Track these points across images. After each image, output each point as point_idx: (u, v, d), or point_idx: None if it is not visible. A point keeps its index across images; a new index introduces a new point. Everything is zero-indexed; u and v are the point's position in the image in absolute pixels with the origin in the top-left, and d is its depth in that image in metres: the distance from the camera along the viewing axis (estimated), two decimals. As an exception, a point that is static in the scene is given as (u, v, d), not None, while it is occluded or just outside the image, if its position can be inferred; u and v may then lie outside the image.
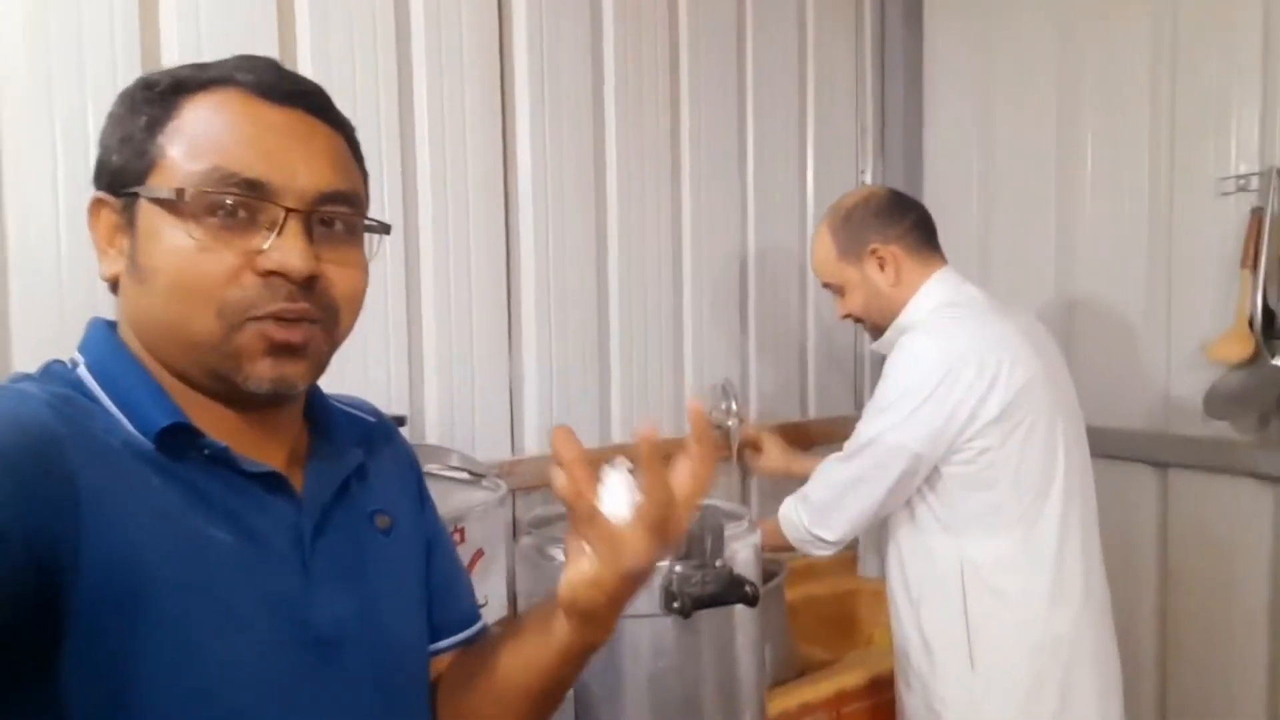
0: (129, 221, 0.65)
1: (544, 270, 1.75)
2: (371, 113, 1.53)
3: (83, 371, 0.66)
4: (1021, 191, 2.07)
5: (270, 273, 0.63)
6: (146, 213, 0.64)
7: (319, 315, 0.67)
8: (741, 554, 1.29)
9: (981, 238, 2.14)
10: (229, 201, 0.63)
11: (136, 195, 0.64)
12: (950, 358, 1.37)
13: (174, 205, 0.63)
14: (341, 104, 1.46)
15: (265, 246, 0.63)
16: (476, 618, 0.88)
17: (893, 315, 1.50)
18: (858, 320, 1.57)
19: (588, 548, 0.66)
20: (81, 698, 0.56)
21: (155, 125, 0.65)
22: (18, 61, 1.22)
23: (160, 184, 0.63)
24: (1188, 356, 1.80)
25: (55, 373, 0.66)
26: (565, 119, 1.77)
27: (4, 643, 0.52)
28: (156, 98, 0.66)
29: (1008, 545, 1.38)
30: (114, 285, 0.69)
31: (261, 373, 0.65)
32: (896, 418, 1.38)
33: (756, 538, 1.32)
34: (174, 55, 1.34)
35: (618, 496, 0.66)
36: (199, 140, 0.64)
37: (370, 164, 1.48)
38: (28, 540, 0.52)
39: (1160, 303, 1.84)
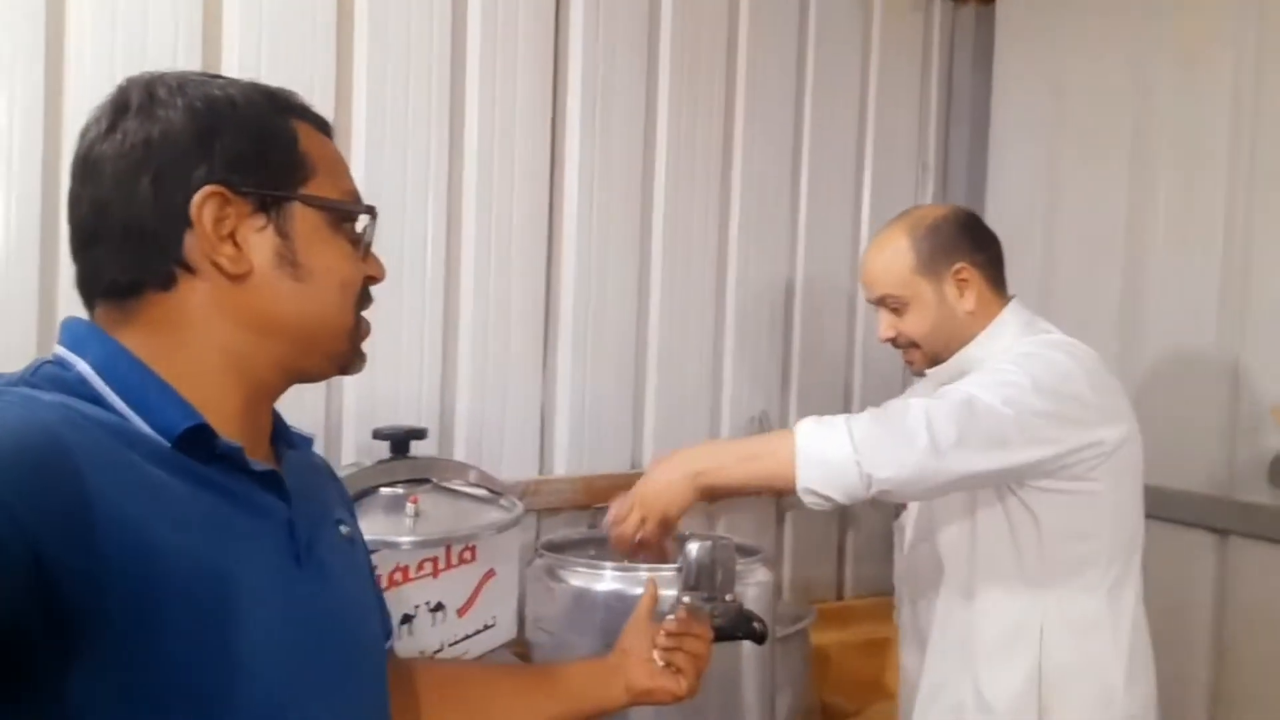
0: (274, 221, 0.70)
1: (584, 291, 1.75)
2: (422, 129, 1.56)
3: (86, 371, 0.65)
4: (1088, 240, 2.00)
5: (370, 277, 0.77)
6: (305, 217, 0.71)
7: None
8: (753, 590, 1.25)
9: (1044, 284, 2.07)
10: (366, 223, 0.76)
11: (289, 199, 0.70)
12: (1089, 364, 1.24)
13: (332, 215, 0.73)
14: (393, 120, 1.52)
15: (370, 261, 0.77)
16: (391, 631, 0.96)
17: (959, 344, 1.34)
18: (907, 345, 1.38)
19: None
20: (100, 704, 0.56)
21: (294, 141, 0.72)
22: (84, 48, 1.28)
23: (320, 194, 0.72)
24: (1256, 419, 1.70)
25: (48, 374, 0.65)
26: (615, 141, 1.77)
27: (10, 648, 0.52)
28: (279, 110, 0.72)
29: (1093, 608, 1.26)
30: (227, 277, 0.68)
31: (362, 358, 0.78)
32: (1028, 380, 1.17)
33: (769, 575, 1.28)
34: (234, 60, 1.39)
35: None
36: (328, 161, 0.74)
37: (417, 179, 1.55)
38: (30, 549, 0.52)
39: (1228, 361, 1.75)
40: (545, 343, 1.73)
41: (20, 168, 1.26)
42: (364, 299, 0.76)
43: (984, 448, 1.14)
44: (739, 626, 1.17)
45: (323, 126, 0.76)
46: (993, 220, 2.19)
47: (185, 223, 0.66)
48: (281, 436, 0.78)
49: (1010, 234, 2.12)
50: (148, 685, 0.57)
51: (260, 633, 0.63)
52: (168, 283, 0.67)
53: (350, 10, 1.50)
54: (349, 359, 0.77)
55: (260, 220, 0.69)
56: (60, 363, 0.65)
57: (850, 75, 2.12)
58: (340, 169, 0.76)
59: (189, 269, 0.67)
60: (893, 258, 1.35)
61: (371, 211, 0.76)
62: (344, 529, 0.80)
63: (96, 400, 0.63)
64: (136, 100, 0.68)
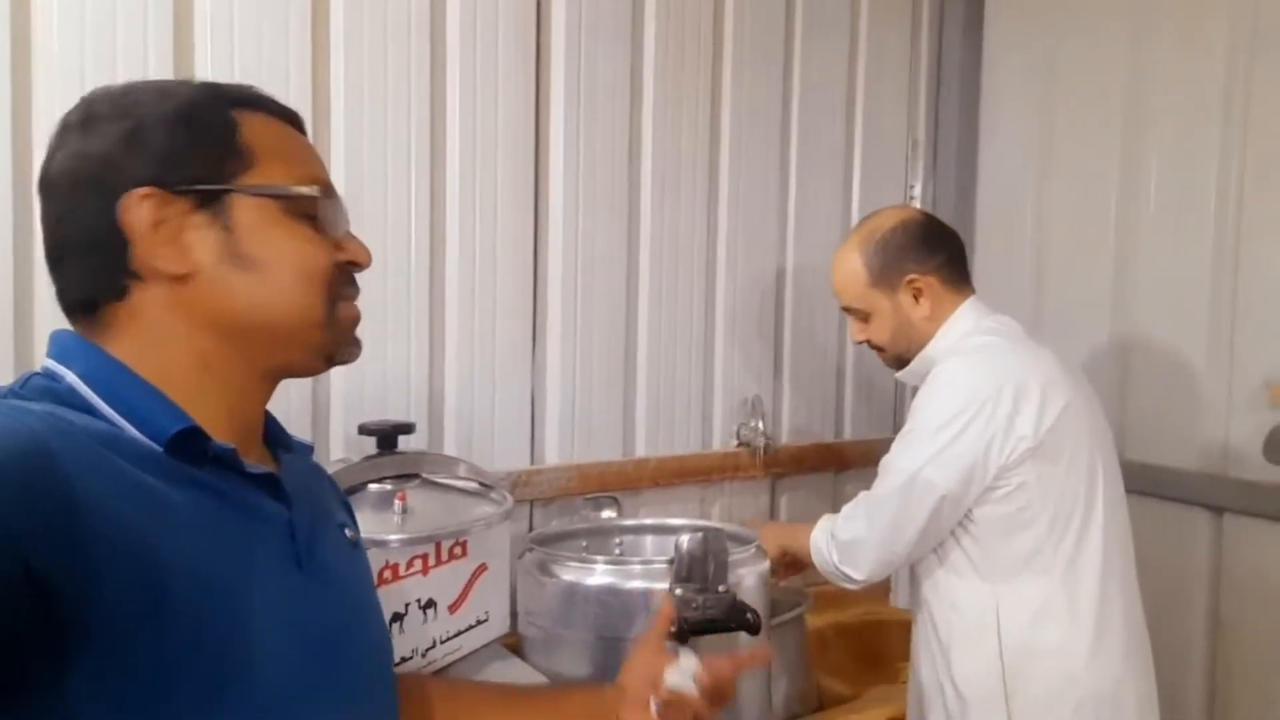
0: (216, 216, 0.68)
1: (571, 279, 1.73)
2: (402, 120, 1.53)
3: (74, 381, 0.65)
4: (1080, 215, 1.98)
5: (352, 263, 0.75)
6: (248, 207, 0.69)
7: None
8: (747, 580, 1.25)
9: (1036, 260, 2.05)
10: (331, 205, 0.73)
11: (225, 191, 0.68)
12: (984, 384, 1.30)
13: (283, 203, 0.70)
14: (372, 108, 1.49)
15: (347, 243, 0.75)
16: None
17: (920, 346, 1.44)
18: (875, 348, 1.50)
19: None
20: (99, 710, 0.55)
21: (230, 132, 0.69)
22: (51, 48, 1.25)
23: (263, 183, 0.69)
24: (1250, 396, 1.69)
25: (38, 385, 0.65)
26: (600, 124, 1.74)
27: (3, 656, 0.51)
28: (220, 104, 0.71)
29: (1046, 592, 1.30)
30: (171, 279, 0.67)
31: (354, 346, 0.76)
32: (929, 452, 1.31)
33: (764, 565, 1.27)
34: (207, 60, 1.35)
35: (686, 673, 0.91)
36: (278, 150, 0.72)
37: (399, 169, 1.53)
38: (20, 559, 0.51)
39: (1223, 338, 1.73)
40: (533, 332, 1.71)
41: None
42: (341, 285, 0.74)
43: (886, 543, 1.35)
44: (732, 618, 1.17)
45: (281, 113, 0.75)
46: (984, 197, 2.18)
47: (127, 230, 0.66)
48: (277, 440, 0.78)
49: (1002, 209, 2.13)
50: (147, 691, 0.56)
51: (260, 636, 0.63)
52: (120, 293, 0.67)
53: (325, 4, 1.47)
54: (332, 348, 0.74)
55: (201, 217, 0.67)
56: (50, 375, 0.66)
57: (838, 52, 2.08)
58: (295, 154, 0.73)
59: (137, 276, 0.67)
60: (848, 273, 1.47)
61: (326, 191, 0.73)
62: (348, 533, 0.80)
63: (88, 410, 0.64)
64: (77, 116, 0.69)
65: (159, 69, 1.31)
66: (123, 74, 1.27)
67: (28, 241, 1.24)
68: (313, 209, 0.72)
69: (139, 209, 0.66)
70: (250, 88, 0.74)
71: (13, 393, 0.64)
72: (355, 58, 1.48)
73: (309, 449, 0.83)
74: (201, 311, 0.68)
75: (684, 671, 0.91)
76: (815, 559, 1.44)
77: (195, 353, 0.68)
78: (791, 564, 1.53)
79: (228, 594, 0.61)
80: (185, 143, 0.68)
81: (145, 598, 0.56)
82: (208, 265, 0.67)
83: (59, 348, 0.68)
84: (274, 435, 0.78)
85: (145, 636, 0.56)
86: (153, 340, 0.67)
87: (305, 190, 0.72)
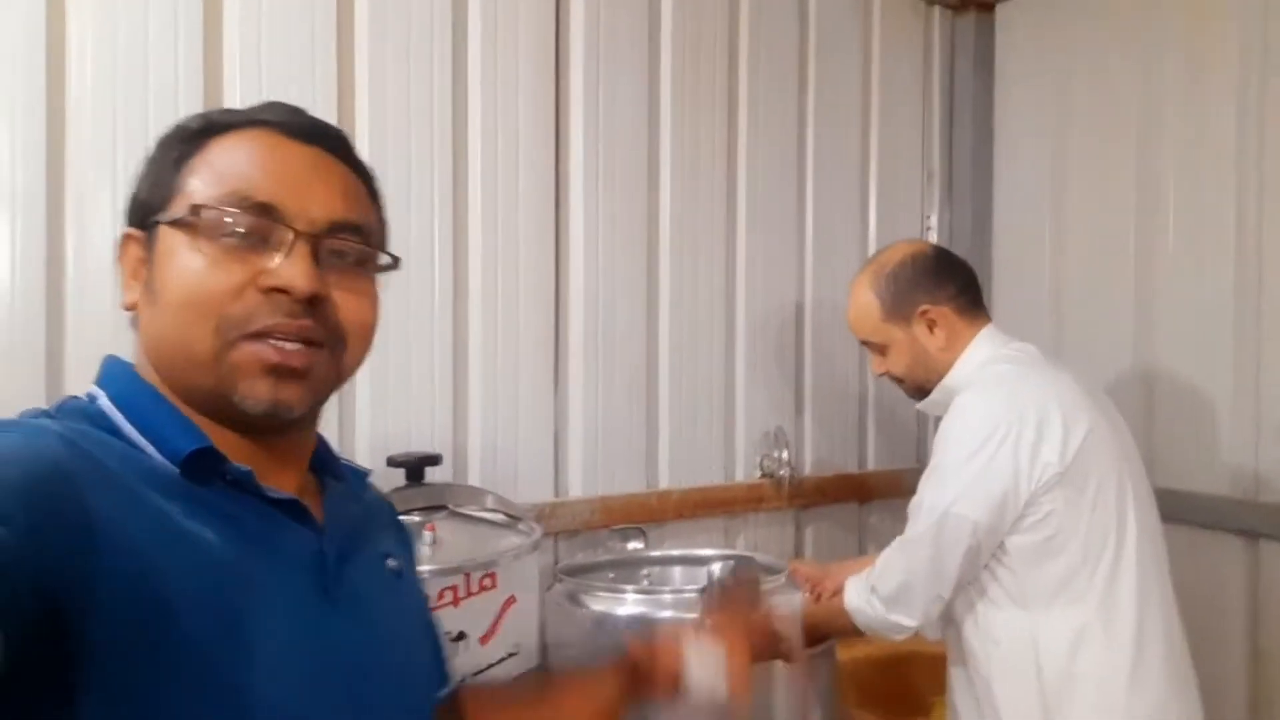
0: (150, 251, 0.68)
1: (593, 311, 1.73)
2: (425, 152, 1.55)
3: (104, 403, 0.66)
4: (1098, 241, 1.98)
5: (273, 289, 0.64)
6: (164, 237, 0.66)
7: (323, 337, 0.67)
8: (782, 609, 1.23)
9: (1054, 288, 2.05)
10: (240, 221, 0.65)
11: (157, 224, 0.67)
12: (1006, 413, 1.29)
13: (190, 226, 0.65)
14: (395, 141, 1.51)
15: (272, 266, 0.65)
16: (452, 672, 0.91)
17: (938, 377, 1.44)
18: (895, 380, 1.51)
19: None
20: None
21: (181, 161, 0.68)
22: (84, 96, 1.27)
23: (178, 210, 0.66)
24: (1279, 418, 1.67)
25: (72, 407, 0.66)
26: (619, 158, 1.76)
27: (12, 678, 0.50)
28: (188, 137, 0.69)
29: (1083, 619, 1.28)
30: (135, 317, 0.70)
31: (259, 393, 0.64)
32: (958, 487, 1.29)
33: (798, 596, 1.25)
34: (236, 92, 1.38)
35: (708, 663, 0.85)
36: (220, 170, 0.67)
37: (421, 202, 1.55)
38: (34, 575, 0.51)
39: (1249, 361, 1.72)
40: (555, 365, 1.71)
41: (24, 201, 1.24)
42: (252, 318, 0.63)
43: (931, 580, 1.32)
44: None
45: (280, 126, 0.69)
46: (1000, 227, 2.19)
47: None
48: (325, 466, 0.76)
49: (1018, 240, 2.14)
50: (158, 712, 0.55)
51: (272, 667, 0.61)
52: (135, 320, 0.70)
53: (350, 36, 1.49)
54: (225, 392, 0.64)
55: (145, 254, 0.68)
56: (91, 396, 0.67)
57: (852, 86, 2.11)
58: (234, 171, 0.66)
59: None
60: (862, 309, 1.49)
61: (244, 204, 0.64)
62: (391, 563, 0.77)
63: (114, 431, 0.64)
64: None
65: (189, 87, 1.33)
66: (153, 108, 1.30)
67: (60, 265, 1.26)
68: (221, 229, 0.64)
69: (123, 247, 0.70)
70: (235, 111, 0.72)
71: (45, 414, 0.65)
72: (379, 104, 1.51)
73: (360, 476, 0.80)
74: (143, 349, 0.69)
75: (705, 659, 0.86)
76: (858, 620, 1.40)
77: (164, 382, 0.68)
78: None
79: (236, 626, 0.59)
80: (143, 184, 0.70)
81: (148, 624, 0.55)
82: (141, 301, 0.68)
83: (103, 370, 0.70)
84: (322, 461, 0.76)
85: (150, 664, 0.55)
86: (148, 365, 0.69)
87: (207, 209, 0.64)
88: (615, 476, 1.75)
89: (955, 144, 2.25)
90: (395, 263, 0.74)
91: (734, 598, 0.88)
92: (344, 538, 0.71)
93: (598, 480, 1.74)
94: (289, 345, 0.65)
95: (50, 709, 0.53)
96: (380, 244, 0.74)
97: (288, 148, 0.68)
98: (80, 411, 0.65)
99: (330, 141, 0.71)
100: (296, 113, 0.71)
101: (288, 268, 0.64)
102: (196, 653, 0.57)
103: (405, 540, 0.86)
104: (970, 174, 2.21)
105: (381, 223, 0.76)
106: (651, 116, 1.81)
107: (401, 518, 1.24)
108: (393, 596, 0.76)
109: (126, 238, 0.70)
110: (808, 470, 2.02)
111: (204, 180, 0.66)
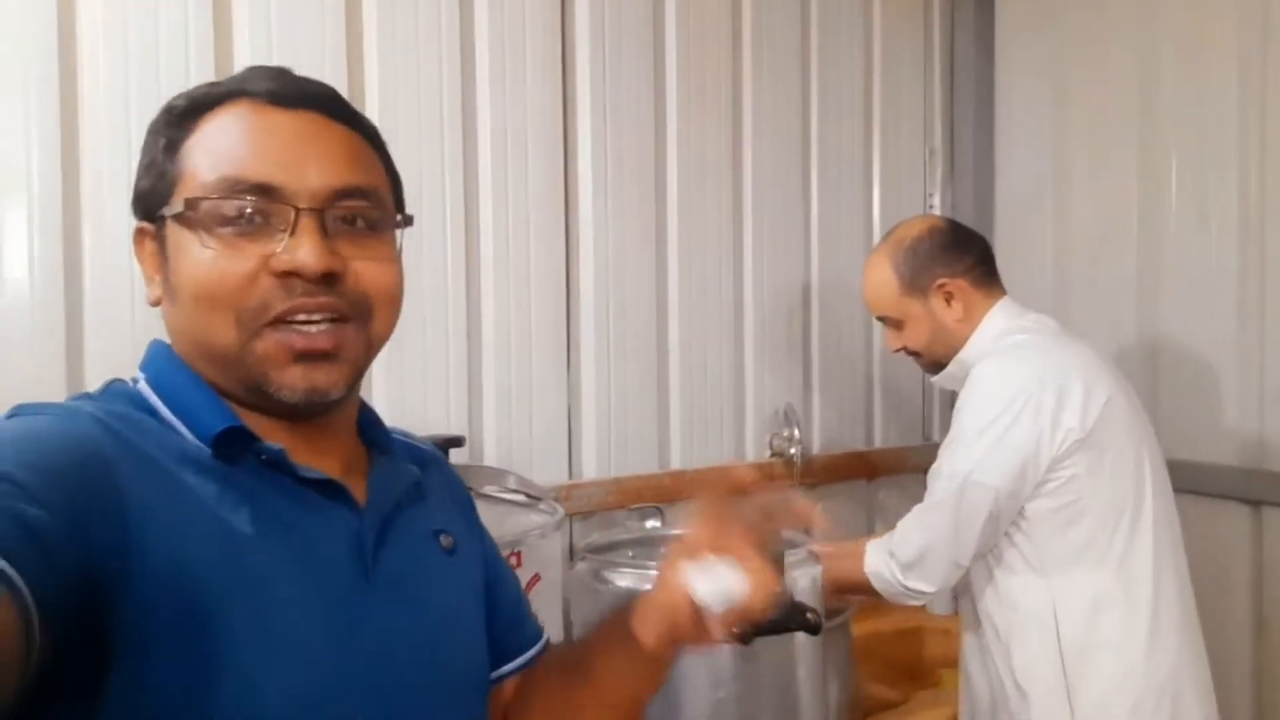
0: (163, 245, 0.66)
1: (604, 294, 1.74)
2: (435, 136, 1.55)
3: (143, 385, 0.67)
4: (1100, 215, 2.00)
5: (286, 273, 0.62)
6: (173, 232, 0.65)
7: (348, 311, 0.65)
8: (802, 581, 1.24)
9: (1058, 264, 2.07)
10: (239, 207, 0.62)
11: (164, 218, 0.65)
12: (1027, 382, 1.31)
13: (191, 220, 0.63)
14: (405, 127, 1.51)
15: (279, 249, 0.62)
16: (540, 634, 0.87)
17: (955, 350, 1.45)
18: (912, 354, 1.51)
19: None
20: (128, 717, 0.55)
21: (173, 147, 0.66)
22: (97, 83, 1.27)
23: (179, 201, 0.64)
24: (1283, 387, 1.70)
25: (115, 390, 0.67)
26: (626, 140, 1.76)
27: (50, 659, 0.50)
28: (175, 120, 0.67)
29: (1102, 584, 1.30)
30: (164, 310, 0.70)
31: (292, 382, 0.63)
32: (979, 454, 1.31)
33: (818, 568, 1.27)
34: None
35: (721, 585, 0.68)
36: (212, 153, 0.64)
37: (433, 186, 1.55)
38: (77, 561, 0.51)
39: (1253, 331, 1.74)
40: (568, 348, 1.72)
41: (40, 189, 1.24)
42: (270, 303, 0.62)
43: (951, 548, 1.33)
44: (792, 618, 1.16)
45: (267, 95, 0.65)
46: (1002, 203, 2.20)
47: None
48: (374, 441, 0.74)
49: (1021, 214, 2.15)
50: (177, 706, 0.56)
51: (292, 655, 0.60)
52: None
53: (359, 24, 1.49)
54: (258, 384, 0.63)
55: (158, 247, 0.67)
56: (134, 379, 0.68)
57: (854, 66, 2.12)
58: (226, 152, 0.64)
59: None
60: (879, 283, 1.49)
61: (239, 189, 0.62)
62: (444, 540, 0.74)
63: (151, 412, 0.65)
64: None
65: (200, 75, 1.32)
66: (166, 94, 1.29)
67: (77, 253, 1.26)
68: (221, 218, 0.62)
69: (137, 243, 0.69)
70: (239, 75, 0.68)
71: (88, 396, 0.65)
72: (390, 93, 1.50)
73: (411, 450, 0.78)
74: (173, 340, 0.69)
75: (718, 582, 0.68)
76: (877, 584, 1.41)
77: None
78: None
79: (260, 614, 0.59)
80: (143, 175, 0.68)
81: (177, 608, 0.56)
82: (163, 297, 0.67)
83: (147, 352, 0.71)
84: (369, 436, 0.74)
85: (175, 648, 0.55)
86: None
87: (204, 201, 0.62)
88: (628, 458, 1.77)
89: (957, 121, 2.26)
90: (408, 220, 0.71)
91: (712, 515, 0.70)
92: (386, 516, 0.69)
93: (611, 462, 1.75)
94: (313, 328, 0.63)
95: (76, 692, 0.53)
96: (391, 203, 0.71)
97: (276, 119, 0.65)
98: (123, 394, 0.66)
99: (321, 103, 0.67)
100: (282, 76, 0.68)
101: (296, 248, 0.62)
102: (215, 640, 0.57)
103: (469, 508, 0.83)
104: (972, 151, 2.22)
105: (392, 179, 0.72)
106: (658, 97, 1.81)
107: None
108: (443, 575, 0.73)
109: (139, 232, 0.69)
110: (817, 448, 2.03)
111: (197, 168, 0.64)
